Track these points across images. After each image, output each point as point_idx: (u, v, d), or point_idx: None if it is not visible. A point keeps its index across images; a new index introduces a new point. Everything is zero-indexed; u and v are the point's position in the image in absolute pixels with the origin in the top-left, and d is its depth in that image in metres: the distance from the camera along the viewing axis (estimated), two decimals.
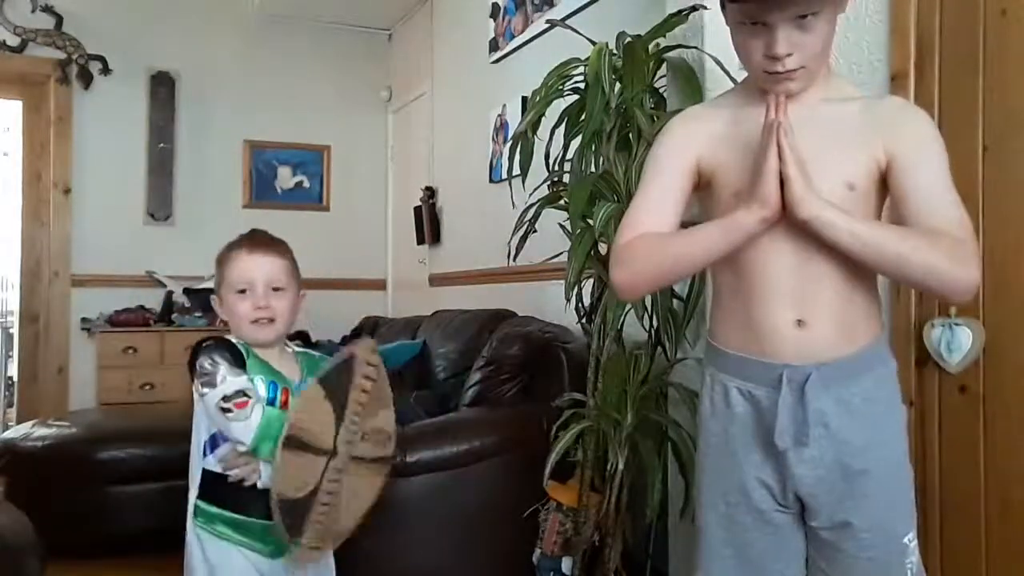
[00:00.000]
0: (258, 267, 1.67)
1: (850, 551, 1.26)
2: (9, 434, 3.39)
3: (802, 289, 1.24)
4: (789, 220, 1.19)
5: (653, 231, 1.28)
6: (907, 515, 1.29)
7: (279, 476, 1.49)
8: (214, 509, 1.69)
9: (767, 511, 1.30)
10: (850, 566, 1.27)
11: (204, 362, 1.63)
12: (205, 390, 1.61)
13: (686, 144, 1.32)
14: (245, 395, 1.60)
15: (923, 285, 1.24)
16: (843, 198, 1.21)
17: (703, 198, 1.34)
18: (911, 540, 1.28)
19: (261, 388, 1.65)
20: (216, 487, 1.69)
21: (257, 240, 1.71)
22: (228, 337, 1.69)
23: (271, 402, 1.63)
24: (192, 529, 1.71)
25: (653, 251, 1.27)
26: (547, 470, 2.17)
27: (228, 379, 1.60)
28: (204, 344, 1.67)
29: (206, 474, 1.69)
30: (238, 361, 1.65)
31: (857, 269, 1.23)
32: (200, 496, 1.71)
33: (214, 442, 1.69)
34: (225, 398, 1.59)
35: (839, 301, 1.24)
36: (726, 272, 1.31)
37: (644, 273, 1.29)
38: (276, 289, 1.68)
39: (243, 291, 1.67)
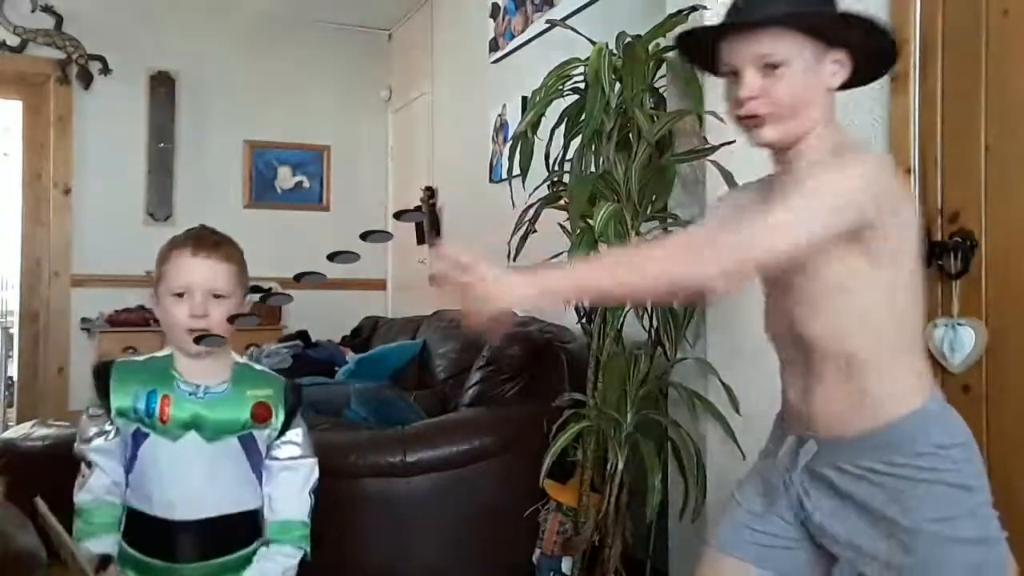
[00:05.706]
0: (199, 270, 1.50)
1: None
2: (9, 434, 3.38)
3: (803, 363, 1.26)
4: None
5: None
6: None
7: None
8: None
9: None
10: None
11: (88, 408, 1.56)
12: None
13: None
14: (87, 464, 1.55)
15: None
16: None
17: None
18: None
19: (122, 426, 1.52)
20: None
21: (203, 240, 1.53)
22: (106, 360, 1.60)
23: (148, 412, 1.50)
24: None
25: None
26: (544, 469, 2.17)
27: (79, 446, 1.56)
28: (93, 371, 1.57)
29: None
30: (102, 389, 1.53)
31: (856, 353, 1.20)
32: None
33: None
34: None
35: (832, 378, 1.23)
36: None
37: None
38: (217, 296, 1.51)
39: (181, 295, 1.50)
